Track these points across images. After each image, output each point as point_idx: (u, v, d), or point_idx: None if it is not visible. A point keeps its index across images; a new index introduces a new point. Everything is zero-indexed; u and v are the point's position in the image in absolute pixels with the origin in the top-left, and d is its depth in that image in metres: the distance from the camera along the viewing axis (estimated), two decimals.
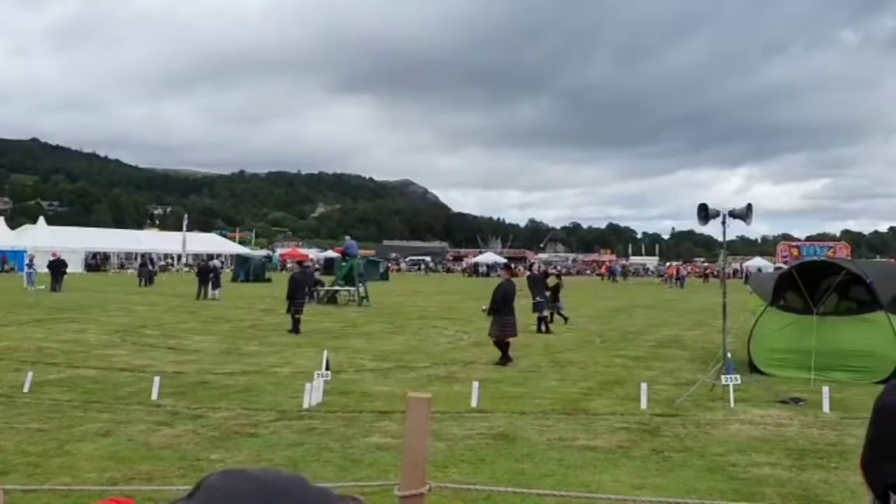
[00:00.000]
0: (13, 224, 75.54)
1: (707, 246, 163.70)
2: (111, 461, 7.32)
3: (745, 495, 6.57)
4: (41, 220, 75.23)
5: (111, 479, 6.73)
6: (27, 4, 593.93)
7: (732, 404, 10.40)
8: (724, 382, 10.75)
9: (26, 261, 45.80)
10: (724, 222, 11.48)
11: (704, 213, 11.48)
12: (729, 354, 11.22)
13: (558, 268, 54.32)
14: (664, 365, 14.80)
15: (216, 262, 40.23)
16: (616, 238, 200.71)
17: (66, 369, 12.86)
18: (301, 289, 20.44)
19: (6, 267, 59.08)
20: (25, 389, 10.53)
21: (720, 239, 12.12)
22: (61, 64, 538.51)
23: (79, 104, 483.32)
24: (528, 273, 26.27)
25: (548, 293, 22.35)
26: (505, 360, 14.16)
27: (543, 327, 20.52)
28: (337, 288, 31.46)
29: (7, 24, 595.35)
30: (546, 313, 20.86)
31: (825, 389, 10.44)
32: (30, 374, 11.08)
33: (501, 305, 14.57)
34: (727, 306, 11.77)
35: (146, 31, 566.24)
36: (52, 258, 38.29)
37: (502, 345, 14.37)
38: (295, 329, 19.19)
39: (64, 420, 9.00)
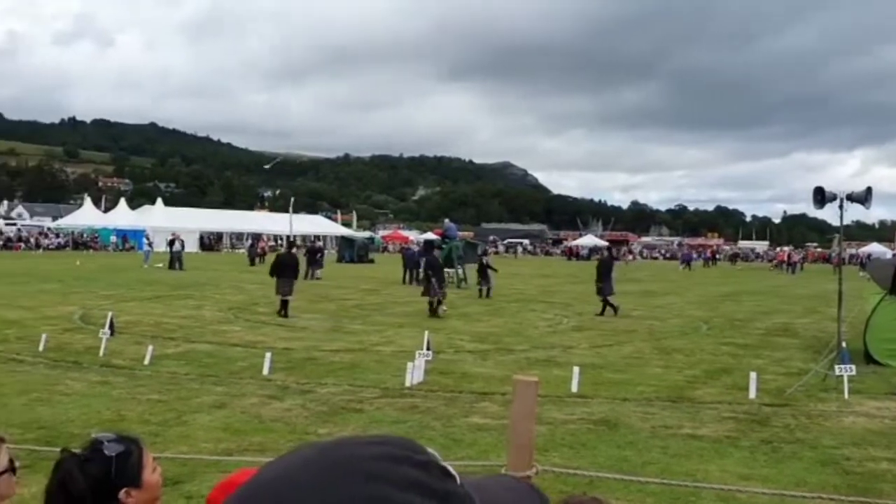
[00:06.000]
0: (133, 205, 79.51)
1: (820, 230, 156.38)
2: (226, 432, 7.68)
3: (861, 490, 6.32)
4: (159, 201, 78.69)
5: (226, 449, 7.06)
6: (164, 1, 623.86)
7: (847, 395, 9.97)
8: (837, 373, 10.30)
9: (144, 240, 48.26)
10: (840, 206, 10.98)
11: (821, 197, 11.01)
12: (844, 343, 10.76)
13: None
14: (774, 353, 14.31)
15: (320, 244, 41.54)
16: (724, 221, 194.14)
17: (184, 343, 13.51)
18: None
19: (127, 245, 62.31)
20: (146, 362, 11.15)
21: (834, 223, 11.63)
22: (187, 56, 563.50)
23: (199, 92, 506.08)
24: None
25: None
26: (284, 312, 18.04)
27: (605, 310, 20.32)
28: None
29: (144, 19, 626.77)
30: (608, 298, 20.51)
31: None
32: (150, 347, 11.71)
33: (280, 272, 18.81)
34: (843, 293, 11.27)
35: (270, 25, 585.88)
36: (169, 237, 40.31)
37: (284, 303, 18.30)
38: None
39: (181, 392, 9.48)
